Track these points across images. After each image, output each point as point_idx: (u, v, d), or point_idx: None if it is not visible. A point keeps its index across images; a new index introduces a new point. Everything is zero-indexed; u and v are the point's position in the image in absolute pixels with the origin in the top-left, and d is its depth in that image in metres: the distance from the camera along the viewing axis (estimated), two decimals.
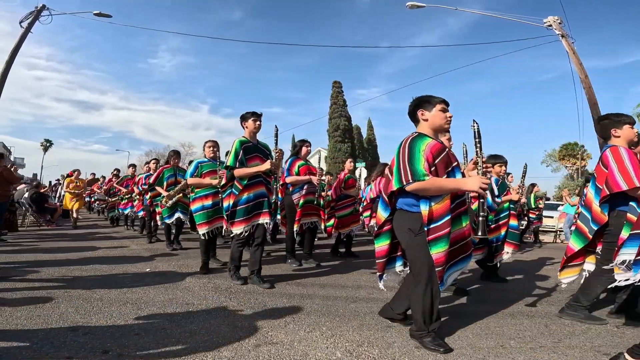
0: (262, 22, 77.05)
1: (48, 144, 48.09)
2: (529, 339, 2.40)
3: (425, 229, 2.13)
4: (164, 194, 5.46)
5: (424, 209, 2.12)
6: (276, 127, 3.53)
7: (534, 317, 2.88)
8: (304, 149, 4.69)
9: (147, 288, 3.26)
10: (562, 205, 10.10)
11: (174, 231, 5.80)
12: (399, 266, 2.50)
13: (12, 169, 6.68)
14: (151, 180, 6.01)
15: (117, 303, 2.79)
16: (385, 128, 71.84)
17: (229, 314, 2.68)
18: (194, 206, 4.20)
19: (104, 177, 12.24)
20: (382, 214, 2.40)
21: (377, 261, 2.46)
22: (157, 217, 5.95)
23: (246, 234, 3.43)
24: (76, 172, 9.60)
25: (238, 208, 3.40)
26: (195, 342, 2.13)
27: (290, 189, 4.67)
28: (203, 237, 4.11)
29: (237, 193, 3.41)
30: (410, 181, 2.09)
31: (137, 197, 7.30)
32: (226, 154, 3.94)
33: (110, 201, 9.49)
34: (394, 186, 2.20)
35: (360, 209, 6.22)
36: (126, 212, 8.41)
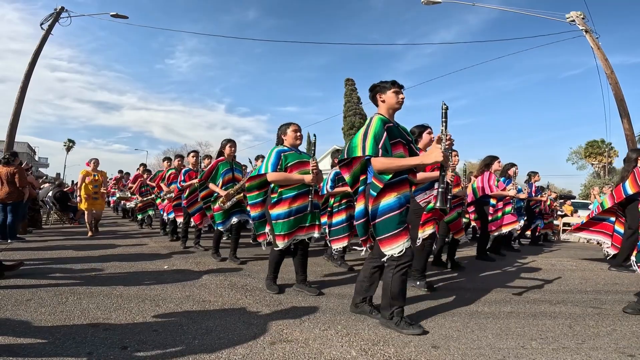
0: (279, 22, 77.31)
1: (71, 144, 49.77)
2: (551, 339, 2.32)
3: None
4: (221, 193, 4.41)
5: None
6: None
7: (557, 317, 2.78)
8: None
9: (165, 285, 3.32)
10: (591, 203, 9.68)
11: (223, 238, 5.21)
12: None
13: (25, 171, 6.27)
14: (190, 177, 5.45)
15: (136, 299, 2.85)
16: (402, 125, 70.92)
17: (244, 311, 2.70)
18: (276, 211, 3.12)
19: (128, 174, 11.33)
20: None
21: None
22: (203, 221, 5.39)
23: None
24: (93, 162, 7.03)
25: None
26: (211, 339, 2.15)
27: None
28: (278, 253, 3.22)
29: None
30: None
31: (167, 196, 6.47)
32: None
33: (142, 200, 8.21)
34: None
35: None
36: (171, 216, 6.52)
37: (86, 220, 6.91)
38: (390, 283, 2.38)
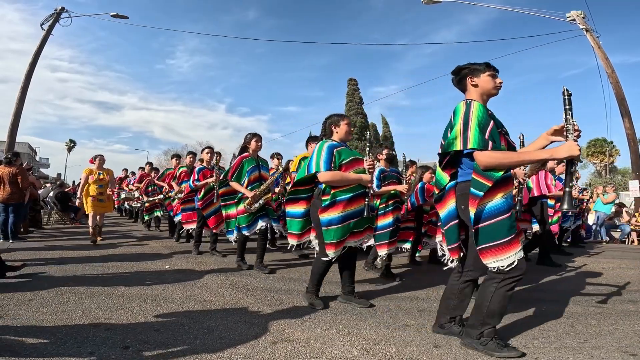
0: (279, 22, 77.52)
1: (72, 144, 49.82)
2: (553, 339, 2.32)
3: None
4: (247, 193, 3.96)
5: None
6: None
7: (559, 317, 2.78)
8: None
9: (167, 285, 3.32)
10: (593, 202, 9.58)
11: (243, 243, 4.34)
12: None
13: (26, 172, 6.24)
14: (205, 176, 5.04)
15: (137, 299, 2.85)
16: (403, 125, 71.19)
17: (245, 311, 2.70)
18: (328, 215, 2.72)
19: (133, 173, 10.83)
20: None
21: None
22: (222, 225, 4.70)
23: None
24: (98, 159, 6.03)
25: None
26: (212, 339, 2.14)
27: None
28: (325, 262, 2.82)
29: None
30: None
31: (179, 195, 5.97)
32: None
33: (149, 201, 7.56)
34: None
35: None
36: (178, 217, 5.96)
37: (90, 225, 5.84)
38: (490, 299, 2.01)
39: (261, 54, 76.88)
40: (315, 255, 2.99)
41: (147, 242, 6.20)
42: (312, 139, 4.40)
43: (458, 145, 1.99)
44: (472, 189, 2.00)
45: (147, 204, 7.67)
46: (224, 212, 4.34)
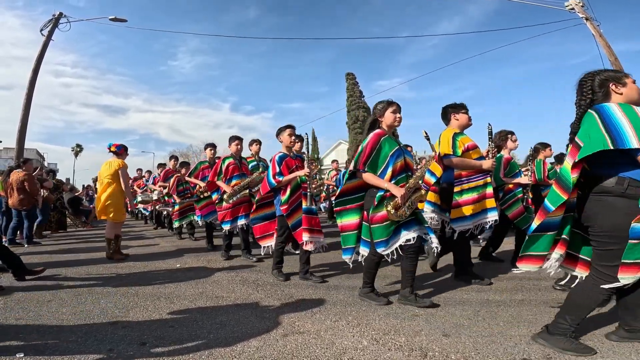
0: (279, 20, 77.52)
1: (79, 149, 50.43)
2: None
3: None
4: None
5: None
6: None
7: None
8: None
9: (179, 283, 3.40)
10: None
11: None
12: None
13: (35, 178, 6.13)
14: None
15: (151, 298, 2.93)
16: (407, 118, 70.69)
17: (256, 305, 2.76)
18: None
19: (149, 172, 10.11)
20: None
21: None
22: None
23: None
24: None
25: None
26: (225, 333, 2.21)
27: None
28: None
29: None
30: None
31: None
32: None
33: (183, 202, 6.36)
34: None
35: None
36: (227, 226, 4.55)
37: (110, 240, 4.66)
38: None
39: (263, 51, 77.14)
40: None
41: (158, 242, 6.31)
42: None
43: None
44: None
45: (178, 207, 6.39)
46: (339, 222, 2.97)
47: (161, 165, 8.56)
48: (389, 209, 2.55)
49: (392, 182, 2.64)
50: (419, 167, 2.87)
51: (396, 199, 2.56)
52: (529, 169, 4.16)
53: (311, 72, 76.12)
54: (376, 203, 2.63)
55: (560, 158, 5.69)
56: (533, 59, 67.02)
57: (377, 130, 2.76)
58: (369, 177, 2.69)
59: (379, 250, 2.66)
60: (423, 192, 2.72)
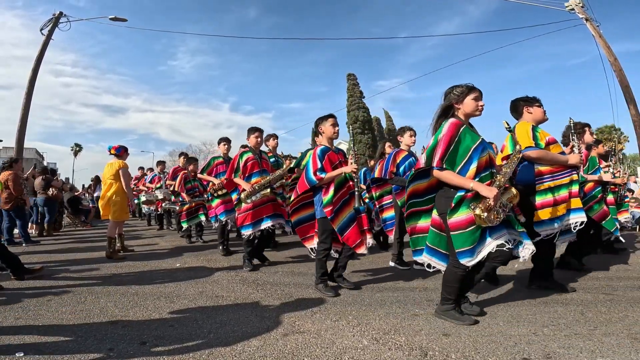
0: (279, 20, 77.61)
1: (78, 149, 50.33)
2: (563, 326, 2.33)
3: None
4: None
5: None
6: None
7: (568, 304, 2.78)
8: None
9: (179, 282, 3.39)
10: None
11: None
12: None
13: (18, 178, 5.82)
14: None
15: (151, 297, 2.92)
16: (408, 118, 70.93)
17: (256, 305, 2.76)
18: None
19: (151, 169, 9.65)
20: None
21: None
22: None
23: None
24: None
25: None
26: (225, 332, 2.20)
27: None
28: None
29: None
30: None
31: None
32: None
33: (193, 202, 6.07)
34: None
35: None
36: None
37: (112, 239, 4.75)
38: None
39: (263, 52, 77.14)
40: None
41: (157, 241, 6.31)
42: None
43: None
44: None
45: (186, 206, 6.06)
46: (407, 226, 2.63)
47: (160, 163, 8.41)
48: (477, 212, 2.17)
49: (476, 180, 2.26)
50: (504, 162, 2.53)
51: (486, 200, 2.19)
52: (612, 165, 3.56)
53: (311, 72, 76.29)
54: (453, 205, 2.25)
55: None
56: (533, 59, 67.45)
57: (453, 120, 2.34)
58: (448, 176, 2.28)
59: (463, 261, 2.24)
60: (515, 191, 2.36)
